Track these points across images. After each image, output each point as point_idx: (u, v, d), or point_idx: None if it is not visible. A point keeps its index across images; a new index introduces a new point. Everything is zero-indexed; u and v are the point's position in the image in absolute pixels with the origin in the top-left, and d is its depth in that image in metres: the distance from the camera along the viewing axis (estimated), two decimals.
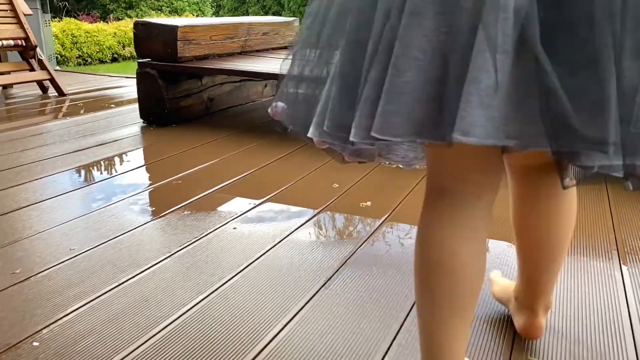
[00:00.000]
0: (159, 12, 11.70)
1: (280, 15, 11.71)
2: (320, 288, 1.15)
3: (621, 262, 1.29)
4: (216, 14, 13.69)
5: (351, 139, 0.61)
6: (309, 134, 0.67)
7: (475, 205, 0.72)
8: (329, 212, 1.58)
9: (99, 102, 3.41)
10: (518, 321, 0.98)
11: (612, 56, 0.53)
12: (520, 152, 0.76)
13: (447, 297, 0.68)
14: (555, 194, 0.81)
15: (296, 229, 1.46)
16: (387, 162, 0.88)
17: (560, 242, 0.84)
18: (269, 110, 0.77)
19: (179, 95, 2.72)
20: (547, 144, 0.56)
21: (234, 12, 13.32)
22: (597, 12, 0.53)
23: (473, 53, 0.54)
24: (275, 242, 1.38)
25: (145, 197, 1.70)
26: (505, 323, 1.04)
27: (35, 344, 0.96)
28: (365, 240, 1.40)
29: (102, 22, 9.34)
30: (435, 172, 0.72)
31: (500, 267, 1.26)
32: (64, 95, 3.61)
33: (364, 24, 0.62)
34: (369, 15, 0.61)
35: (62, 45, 7.35)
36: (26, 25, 3.50)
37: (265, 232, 1.44)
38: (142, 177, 1.91)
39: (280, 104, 0.76)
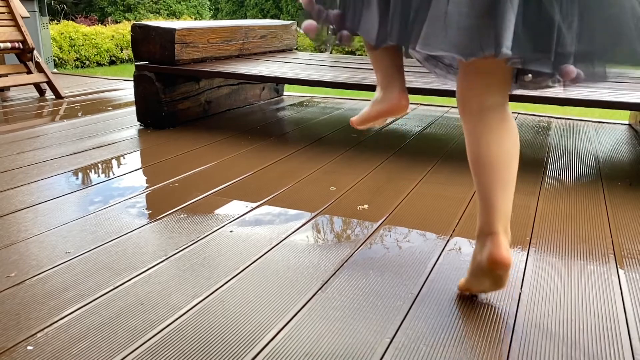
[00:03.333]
0: (157, 15, 11.71)
1: (278, 18, 11.74)
2: (317, 291, 1.15)
3: (618, 266, 1.29)
4: (214, 17, 13.70)
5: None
6: None
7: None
8: (326, 215, 1.58)
9: (97, 105, 3.41)
10: (486, 253, 1.03)
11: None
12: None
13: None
14: (499, 126, 1.01)
15: (293, 232, 1.46)
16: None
17: (507, 163, 1.01)
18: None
19: (177, 98, 2.72)
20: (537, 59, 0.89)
21: (232, 15, 13.34)
22: None
23: None
24: (272, 245, 1.37)
25: (142, 200, 1.69)
26: (502, 327, 1.03)
27: (29, 347, 0.95)
28: (363, 244, 1.39)
29: (100, 25, 9.35)
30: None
31: None
32: (61, 97, 3.61)
33: None
34: None
35: (60, 48, 7.35)
36: (23, 28, 3.49)
37: (262, 235, 1.43)
38: (139, 180, 1.90)
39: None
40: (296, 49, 3.80)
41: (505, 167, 1.01)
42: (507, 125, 1.01)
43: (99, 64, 7.96)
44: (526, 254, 1.35)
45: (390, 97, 1.11)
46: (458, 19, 0.88)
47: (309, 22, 1.05)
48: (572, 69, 0.88)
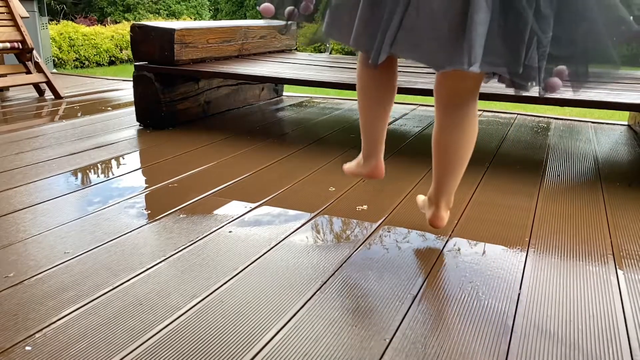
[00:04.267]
0: (157, 15, 11.71)
1: (277, 19, 11.69)
2: (315, 292, 1.15)
3: (617, 266, 1.29)
4: (214, 17, 13.70)
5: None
6: None
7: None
8: (325, 216, 1.58)
9: (96, 105, 3.40)
10: (428, 214, 1.35)
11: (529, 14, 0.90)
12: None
13: (376, 99, 1.22)
14: (462, 121, 1.16)
15: (292, 233, 1.46)
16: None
17: (462, 153, 1.19)
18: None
19: (176, 98, 2.72)
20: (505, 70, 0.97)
21: (232, 15, 13.33)
22: None
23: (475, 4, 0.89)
24: (271, 246, 1.37)
25: (141, 200, 1.69)
26: (501, 328, 1.03)
27: (27, 348, 0.95)
28: (362, 244, 1.39)
29: (99, 25, 9.34)
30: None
31: (496, 267, 1.26)
32: (61, 98, 3.61)
33: None
34: None
35: (59, 48, 7.34)
36: (23, 28, 3.49)
37: (261, 236, 1.43)
38: (138, 180, 1.90)
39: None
40: (295, 49, 3.80)
41: (457, 155, 1.20)
42: (468, 121, 1.17)
43: (99, 64, 7.95)
44: (525, 254, 1.35)
45: (369, 166, 1.34)
46: (429, 32, 0.95)
47: (266, 5, 1.17)
48: (556, 82, 0.99)
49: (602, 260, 1.33)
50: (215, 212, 1.60)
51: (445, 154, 1.21)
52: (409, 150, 2.33)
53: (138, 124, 2.78)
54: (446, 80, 1.16)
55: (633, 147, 2.50)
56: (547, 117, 3.18)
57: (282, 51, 3.60)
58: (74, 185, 1.84)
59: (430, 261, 1.30)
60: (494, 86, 2.18)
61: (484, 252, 1.35)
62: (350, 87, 2.32)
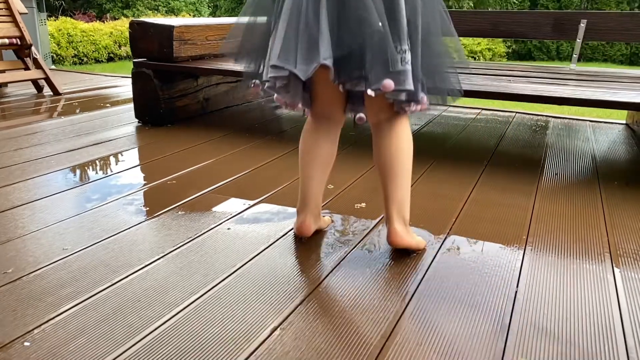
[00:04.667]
0: (156, 12, 11.68)
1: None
2: (314, 289, 1.15)
3: (614, 264, 1.30)
4: (213, 14, 13.67)
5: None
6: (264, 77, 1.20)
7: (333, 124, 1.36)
8: (323, 213, 1.58)
9: (94, 102, 3.40)
10: (386, 234, 1.32)
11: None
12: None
13: (314, 162, 1.35)
14: (389, 135, 1.27)
15: (291, 230, 1.46)
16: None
17: (393, 163, 1.27)
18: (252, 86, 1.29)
19: (175, 95, 2.72)
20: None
21: (231, 12, 13.31)
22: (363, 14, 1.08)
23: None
24: (270, 243, 1.38)
25: (139, 197, 1.69)
26: (497, 326, 1.04)
27: (26, 344, 0.96)
28: (360, 241, 1.40)
29: (98, 21, 9.32)
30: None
31: (493, 265, 1.26)
32: (59, 94, 3.60)
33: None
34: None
35: (58, 44, 7.33)
36: (21, 24, 3.48)
37: (259, 233, 1.44)
38: (137, 177, 1.90)
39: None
40: None
41: (391, 165, 1.26)
42: (395, 135, 1.26)
43: (97, 61, 7.94)
44: (522, 252, 1.35)
45: (297, 221, 1.39)
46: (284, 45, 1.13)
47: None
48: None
49: (599, 258, 1.33)
50: (214, 209, 1.60)
51: (383, 166, 1.28)
52: None
53: (137, 120, 2.78)
54: (369, 102, 1.28)
55: (631, 145, 2.51)
56: (546, 116, 3.18)
57: None
58: (72, 182, 1.84)
59: (428, 258, 1.31)
60: (494, 85, 2.18)
61: (481, 250, 1.36)
62: None
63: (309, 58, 1.09)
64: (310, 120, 1.36)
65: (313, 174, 1.35)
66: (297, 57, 1.10)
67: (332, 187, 1.81)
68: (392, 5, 1.11)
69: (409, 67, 1.13)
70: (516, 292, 1.16)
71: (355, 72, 1.14)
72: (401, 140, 1.27)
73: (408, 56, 1.13)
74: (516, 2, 11.96)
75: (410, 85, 1.14)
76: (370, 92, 1.13)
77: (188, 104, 2.82)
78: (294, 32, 1.11)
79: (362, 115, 1.34)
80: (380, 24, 1.07)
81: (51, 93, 3.63)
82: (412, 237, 1.32)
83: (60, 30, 7.48)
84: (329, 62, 1.09)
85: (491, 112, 3.27)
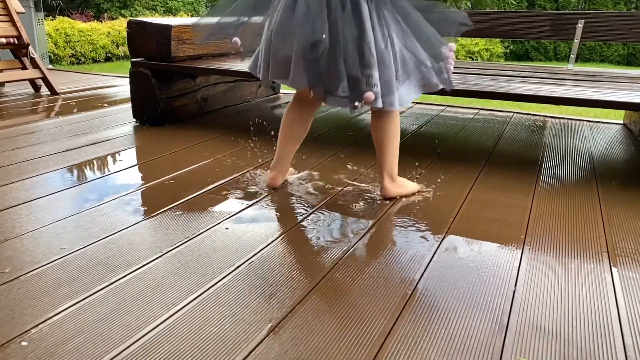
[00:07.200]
0: (154, 11, 11.66)
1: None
2: (312, 289, 1.15)
3: (611, 264, 1.30)
4: None
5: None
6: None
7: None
8: (322, 212, 1.58)
9: (92, 101, 3.39)
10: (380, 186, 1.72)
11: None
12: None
13: (288, 136, 1.75)
14: (377, 122, 1.64)
15: (288, 230, 1.46)
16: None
17: (384, 140, 1.65)
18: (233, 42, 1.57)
19: (173, 95, 2.72)
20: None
21: None
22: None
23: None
24: (268, 243, 1.38)
25: (137, 197, 1.69)
26: (495, 325, 1.04)
27: (24, 343, 0.95)
28: (358, 241, 1.40)
29: (95, 21, 9.29)
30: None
31: (492, 265, 1.26)
32: (57, 94, 3.59)
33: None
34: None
35: (55, 44, 7.31)
36: (19, 24, 3.47)
37: (257, 233, 1.44)
38: (135, 177, 1.90)
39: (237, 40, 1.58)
40: None
41: (382, 141, 1.64)
42: (388, 119, 1.61)
43: (95, 61, 7.92)
44: (520, 252, 1.35)
45: (269, 175, 1.79)
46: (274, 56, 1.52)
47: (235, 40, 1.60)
48: (370, 95, 1.44)
49: (597, 258, 1.33)
50: (212, 208, 1.60)
51: (376, 141, 1.66)
52: (406, 148, 2.33)
53: (134, 120, 2.77)
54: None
55: (628, 145, 2.51)
56: (543, 116, 3.19)
57: None
58: (70, 182, 1.83)
59: (426, 258, 1.31)
60: (491, 85, 2.19)
61: (479, 250, 1.36)
62: None
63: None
64: (292, 101, 1.72)
65: (286, 144, 1.74)
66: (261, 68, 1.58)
67: (330, 187, 1.81)
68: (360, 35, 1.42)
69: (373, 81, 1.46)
70: (514, 291, 1.16)
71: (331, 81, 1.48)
72: (389, 122, 1.62)
73: (375, 76, 1.44)
74: (514, 2, 11.97)
75: (346, 92, 1.45)
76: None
77: (186, 103, 2.82)
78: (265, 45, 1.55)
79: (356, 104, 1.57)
80: (324, 35, 1.37)
81: (48, 93, 3.62)
82: (401, 188, 1.70)
83: (57, 29, 7.46)
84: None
85: (489, 112, 3.27)
